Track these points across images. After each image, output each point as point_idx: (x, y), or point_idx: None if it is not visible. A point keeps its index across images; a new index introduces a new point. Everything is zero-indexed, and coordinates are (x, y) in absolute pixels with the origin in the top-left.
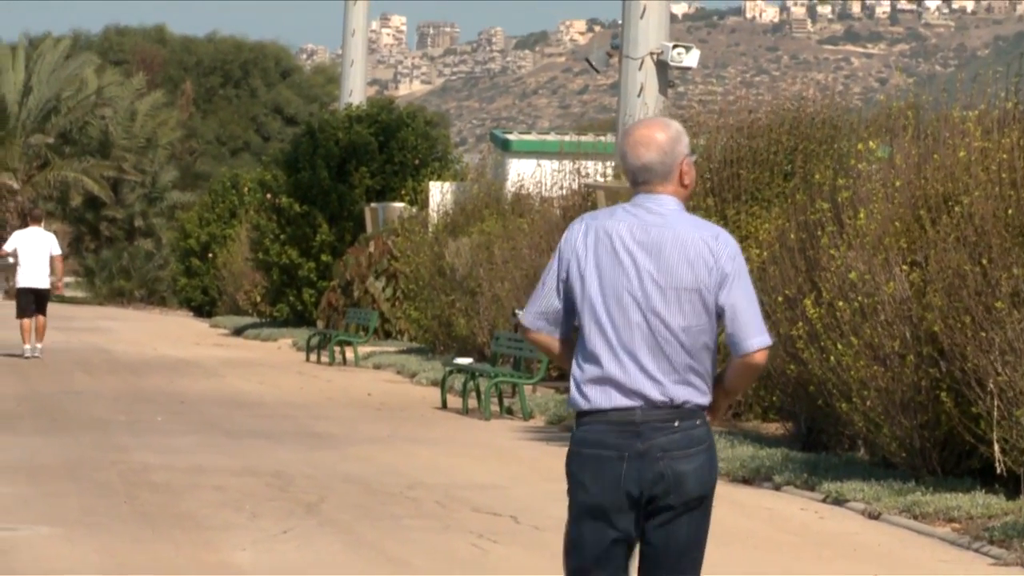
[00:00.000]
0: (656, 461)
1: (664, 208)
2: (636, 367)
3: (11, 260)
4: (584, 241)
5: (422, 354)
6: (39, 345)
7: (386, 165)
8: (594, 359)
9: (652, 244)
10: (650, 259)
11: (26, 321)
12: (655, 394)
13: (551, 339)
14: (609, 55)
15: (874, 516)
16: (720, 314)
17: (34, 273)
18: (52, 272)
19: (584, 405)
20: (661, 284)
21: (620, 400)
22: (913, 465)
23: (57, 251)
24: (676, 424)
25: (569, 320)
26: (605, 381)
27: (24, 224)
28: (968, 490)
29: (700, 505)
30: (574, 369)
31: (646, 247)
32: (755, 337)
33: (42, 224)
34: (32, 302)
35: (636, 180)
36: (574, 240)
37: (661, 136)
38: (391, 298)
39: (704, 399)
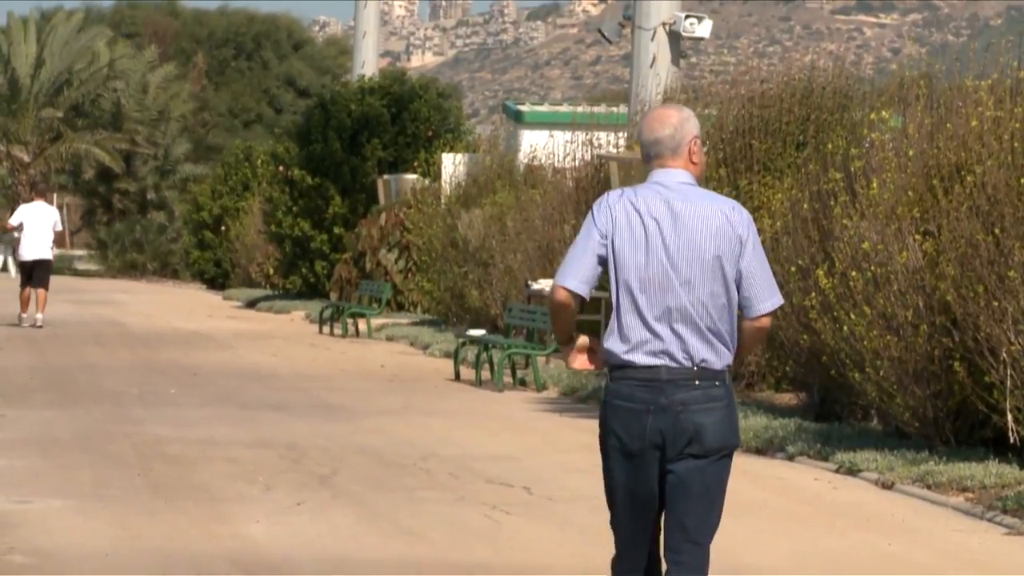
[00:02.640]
0: (677, 415)
1: (680, 183)
2: (664, 331)
3: (16, 234)
4: (617, 215)
5: (435, 326)
6: (39, 316)
7: (398, 137)
8: (628, 324)
9: (676, 217)
10: (675, 231)
11: (26, 291)
12: (680, 356)
13: (574, 301)
14: (621, 26)
15: (887, 486)
16: (737, 279)
17: (36, 246)
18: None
19: (618, 361)
20: (686, 254)
21: (649, 360)
22: (926, 435)
23: (59, 226)
24: (696, 383)
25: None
26: (637, 343)
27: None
28: (981, 459)
29: (718, 455)
30: (608, 332)
31: (670, 220)
32: (768, 300)
33: (46, 198)
34: (33, 273)
35: (649, 154)
36: (607, 214)
37: (674, 116)
38: (404, 270)
39: (723, 362)
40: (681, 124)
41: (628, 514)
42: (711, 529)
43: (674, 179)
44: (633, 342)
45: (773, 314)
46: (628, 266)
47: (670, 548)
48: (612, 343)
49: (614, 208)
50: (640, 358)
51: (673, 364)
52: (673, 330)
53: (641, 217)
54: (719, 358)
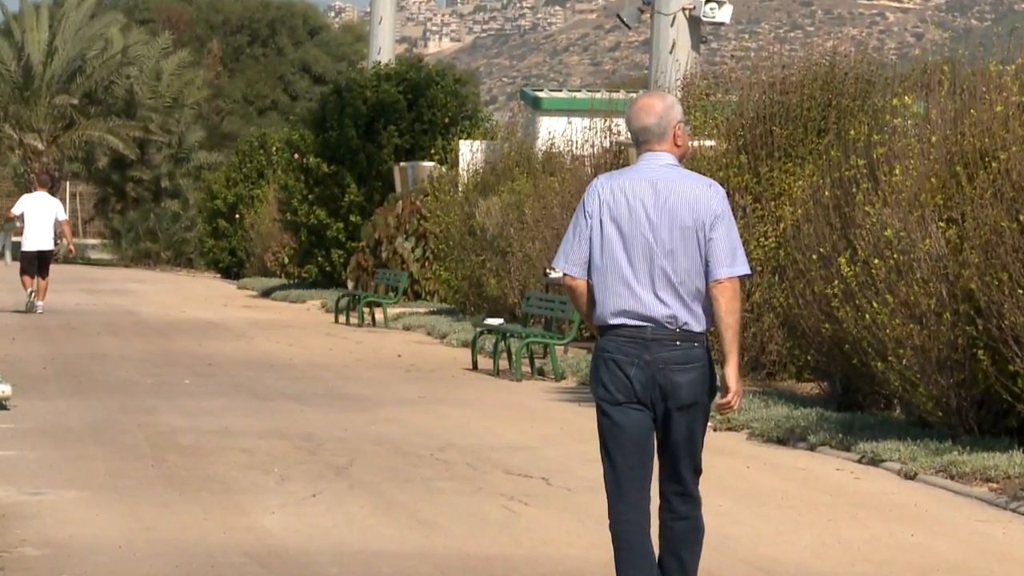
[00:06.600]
0: (658, 371)
1: (664, 164)
2: (649, 297)
3: (18, 224)
4: (604, 197)
5: (452, 315)
6: (40, 303)
7: (415, 124)
8: (616, 291)
9: (659, 195)
10: (657, 207)
11: (27, 277)
12: (662, 319)
13: (584, 283)
14: (641, 11)
15: (910, 476)
16: (706, 246)
17: (39, 236)
18: (62, 235)
19: (608, 324)
20: (668, 228)
21: (635, 321)
22: (949, 424)
23: (63, 215)
24: (677, 344)
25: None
26: (624, 308)
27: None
28: (1005, 449)
29: (692, 408)
30: (600, 300)
31: (653, 198)
32: (727, 267)
33: (48, 189)
34: (35, 263)
35: (638, 140)
36: (596, 197)
37: (659, 105)
38: (421, 259)
39: (702, 326)
40: (666, 112)
41: (618, 462)
42: (695, 467)
43: (659, 161)
44: (622, 308)
45: (732, 280)
46: (615, 241)
47: (664, 496)
48: (603, 310)
49: (602, 191)
50: (628, 322)
51: (657, 327)
52: (657, 297)
53: (627, 197)
54: (699, 322)
